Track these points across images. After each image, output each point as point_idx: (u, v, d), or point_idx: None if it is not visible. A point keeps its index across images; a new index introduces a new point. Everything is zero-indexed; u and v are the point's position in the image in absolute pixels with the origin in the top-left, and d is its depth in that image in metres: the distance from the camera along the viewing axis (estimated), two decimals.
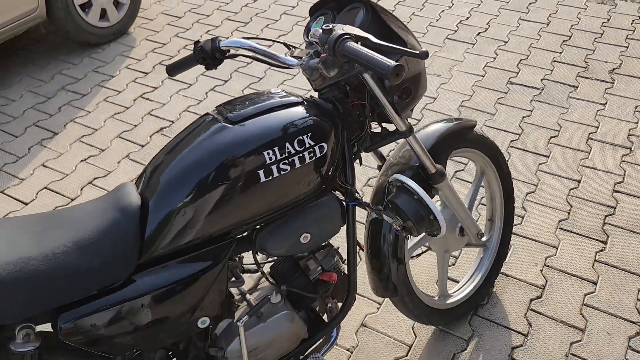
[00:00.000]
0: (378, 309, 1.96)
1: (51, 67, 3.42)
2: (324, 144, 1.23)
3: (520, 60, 3.25)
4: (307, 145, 1.21)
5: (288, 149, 1.19)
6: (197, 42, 1.39)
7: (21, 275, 1.03)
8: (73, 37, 3.45)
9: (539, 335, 1.85)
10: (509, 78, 3.11)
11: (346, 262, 1.45)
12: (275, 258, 1.46)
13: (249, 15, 3.85)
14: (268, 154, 1.17)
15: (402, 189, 1.38)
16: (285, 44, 1.40)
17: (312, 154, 1.22)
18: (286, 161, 1.19)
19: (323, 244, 1.43)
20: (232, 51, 1.39)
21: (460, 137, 1.65)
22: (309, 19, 1.64)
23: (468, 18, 3.68)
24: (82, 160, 2.70)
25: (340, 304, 1.52)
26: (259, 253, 1.34)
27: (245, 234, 1.30)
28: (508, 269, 2.07)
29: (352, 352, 1.83)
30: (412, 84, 1.36)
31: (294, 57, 1.32)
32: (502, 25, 3.59)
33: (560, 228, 2.23)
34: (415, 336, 1.87)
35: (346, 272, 1.46)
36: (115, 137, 2.84)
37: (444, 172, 1.52)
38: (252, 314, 1.33)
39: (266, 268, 1.47)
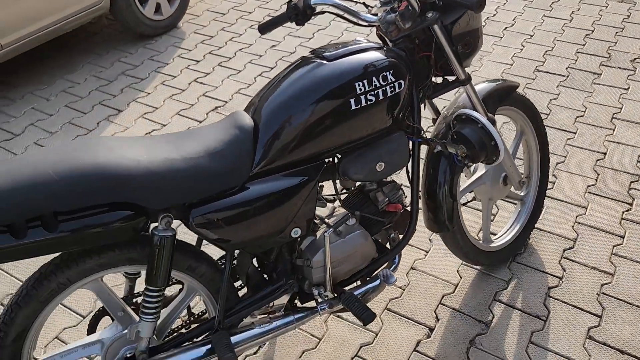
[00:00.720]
0: (425, 255, 2.18)
1: (110, 56, 3.71)
2: (402, 81, 1.47)
3: (546, 51, 3.49)
4: (389, 81, 1.45)
5: (374, 82, 1.43)
6: (290, 1, 1.65)
7: (166, 171, 1.27)
8: (131, 28, 3.74)
9: (573, 278, 2.06)
10: (536, 66, 3.34)
11: (409, 196, 1.68)
12: (349, 189, 1.69)
13: None
14: (358, 85, 1.41)
15: (467, 120, 1.61)
16: (364, 4, 1.65)
17: (392, 89, 1.46)
18: (372, 92, 1.43)
19: (389, 178, 1.67)
20: (318, 9, 1.64)
21: (506, 94, 1.88)
22: None
23: (495, 15, 3.93)
24: (146, 134, 2.96)
25: (401, 236, 1.75)
26: (338, 181, 1.58)
27: (329, 161, 1.54)
28: (542, 225, 2.29)
29: (404, 290, 2.05)
30: (473, 37, 1.60)
31: (372, 14, 1.57)
32: (527, 21, 3.84)
33: (588, 192, 2.44)
34: (460, 277, 2.08)
35: (407, 207, 1.70)
36: (175, 114, 3.10)
37: (494, 120, 1.75)
38: (334, 230, 1.56)
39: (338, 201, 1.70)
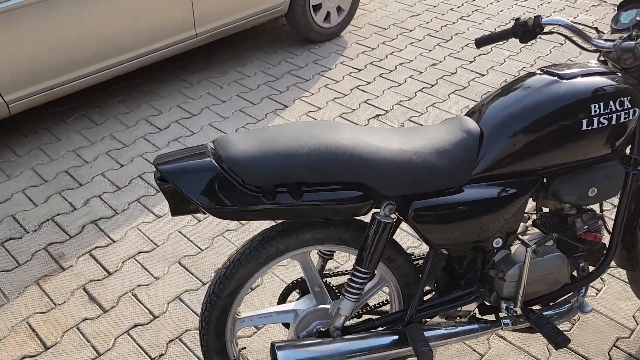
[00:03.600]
0: (597, 293, 2.08)
1: (278, 55, 3.95)
2: (637, 109, 1.44)
3: None
4: (625, 107, 1.42)
5: (610, 106, 1.40)
6: (517, 19, 1.66)
7: (400, 161, 1.33)
8: (301, 32, 3.96)
9: None
10: None
11: (611, 228, 1.62)
12: (545, 211, 1.67)
13: (450, 34, 4.16)
14: (594, 106, 1.39)
15: None
16: (596, 29, 1.64)
17: (626, 115, 1.42)
18: (606, 116, 1.41)
19: (589, 207, 1.62)
20: (547, 28, 1.65)
21: None
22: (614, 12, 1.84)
23: None
24: None
25: (592, 268, 1.69)
26: (543, 200, 1.56)
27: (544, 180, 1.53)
28: None
29: (574, 324, 1.97)
30: None
31: (606, 40, 1.55)
32: None
33: None
34: (637, 323, 1.96)
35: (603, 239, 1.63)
36: (337, 116, 3.23)
37: None
38: (535, 248, 1.54)
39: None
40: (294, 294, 1.73)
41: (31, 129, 3.17)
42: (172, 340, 1.97)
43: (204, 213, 1.29)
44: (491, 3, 4.64)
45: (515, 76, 3.58)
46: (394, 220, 1.38)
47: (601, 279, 2.14)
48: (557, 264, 1.56)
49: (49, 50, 2.74)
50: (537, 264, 1.54)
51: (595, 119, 1.40)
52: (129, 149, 2.99)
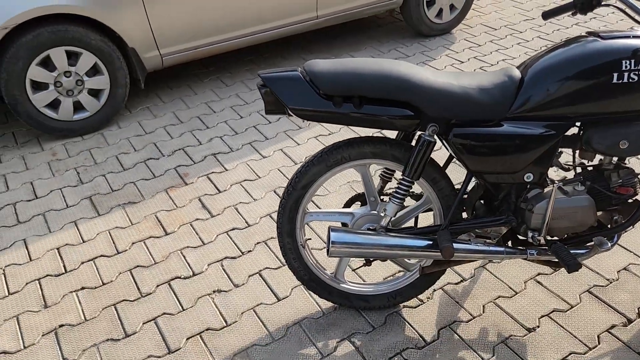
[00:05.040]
0: (638, 258, 2.21)
1: (389, 44, 4.34)
2: None
3: None
4: None
5: None
6: None
7: (446, 90, 1.66)
8: (413, 25, 4.32)
9: None
10: None
11: None
12: (586, 165, 1.88)
13: (560, 37, 4.27)
14: (625, 62, 1.62)
15: None
16: None
17: None
18: (637, 72, 1.62)
19: (627, 163, 1.81)
20: (604, 1, 1.87)
21: None
22: None
23: None
24: None
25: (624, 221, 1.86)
26: (579, 150, 1.79)
27: (579, 125, 1.76)
28: None
29: (611, 282, 2.13)
30: None
31: None
32: None
33: None
34: None
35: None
36: None
37: None
38: (562, 187, 1.78)
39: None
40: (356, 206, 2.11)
41: (175, 84, 3.89)
42: (259, 242, 2.44)
43: (289, 114, 1.73)
44: (612, 12, 4.64)
45: None
46: (435, 141, 1.71)
47: None
48: (582, 205, 1.78)
49: (201, 14, 3.39)
50: (563, 201, 1.78)
51: (626, 74, 1.62)
52: (249, 106, 3.56)
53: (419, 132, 1.73)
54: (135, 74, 3.34)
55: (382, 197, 2.00)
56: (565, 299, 2.08)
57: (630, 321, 1.98)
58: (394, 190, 1.81)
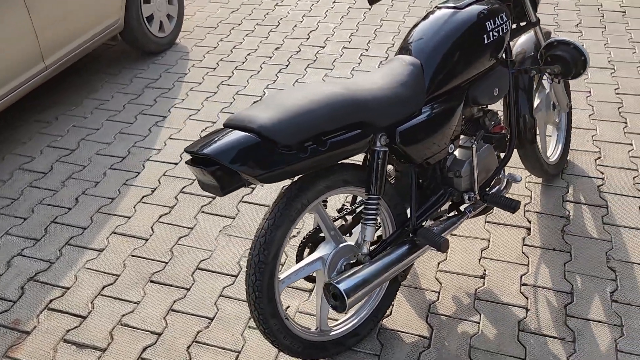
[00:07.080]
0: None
1: (125, 73, 3.86)
2: (509, 22, 1.93)
3: None
4: (504, 20, 1.90)
5: (497, 21, 1.87)
6: None
7: (382, 97, 1.61)
8: (140, 45, 3.92)
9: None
10: None
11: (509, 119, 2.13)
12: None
13: (276, 20, 4.50)
14: (488, 23, 1.85)
15: (558, 45, 2.09)
16: None
17: (506, 27, 1.91)
18: (497, 29, 1.87)
19: (488, 108, 2.12)
20: None
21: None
22: None
23: None
24: (201, 131, 3.18)
25: (502, 154, 2.19)
26: (464, 108, 1.99)
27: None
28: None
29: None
30: None
31: None
32: None
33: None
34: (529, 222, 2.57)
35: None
36: (219, 112, 3.35)
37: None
38: (475, 145, 1.95)
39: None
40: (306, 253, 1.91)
41: None
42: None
43: (252, 184, 1.42)
44: None
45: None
46: (388, 149, 1.67)
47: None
48: (489, 153, 2.02)
49: None
50: (479, 157, 1.98)
51: (491, 33, 1.86)
52: (20, 201, 2.74)
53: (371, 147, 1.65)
54: None
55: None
56: None
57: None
58: (364, 213, 1.70)
